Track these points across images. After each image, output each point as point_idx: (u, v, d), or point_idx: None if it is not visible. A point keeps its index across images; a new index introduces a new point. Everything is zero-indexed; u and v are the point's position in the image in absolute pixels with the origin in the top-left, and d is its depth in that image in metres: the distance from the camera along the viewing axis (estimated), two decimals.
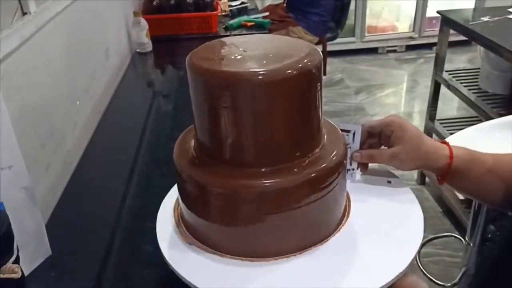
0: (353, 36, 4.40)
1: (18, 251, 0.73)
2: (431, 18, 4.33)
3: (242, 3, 2.75)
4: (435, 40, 2.55)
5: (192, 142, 0.75)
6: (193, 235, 0.74)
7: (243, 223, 0.68)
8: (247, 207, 0.67)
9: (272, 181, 0.64)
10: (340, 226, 0.74)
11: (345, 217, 0.76)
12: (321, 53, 0.69)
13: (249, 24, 2.41)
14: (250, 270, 0.67)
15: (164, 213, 0.81)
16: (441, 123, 2.48)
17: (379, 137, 0.80)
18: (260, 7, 3.18)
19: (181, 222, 0.77)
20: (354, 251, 0.70)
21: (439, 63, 2.39)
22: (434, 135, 2.53)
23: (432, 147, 0.77)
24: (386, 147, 0.79)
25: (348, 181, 0.78)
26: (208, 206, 0.70)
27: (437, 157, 0.77)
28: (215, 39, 0.77)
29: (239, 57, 0.68)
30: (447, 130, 2.38)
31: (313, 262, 0.68)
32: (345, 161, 0.72)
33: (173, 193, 0.82)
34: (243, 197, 0.66)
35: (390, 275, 0.65)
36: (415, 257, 0.67)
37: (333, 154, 0.69)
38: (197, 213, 0.72)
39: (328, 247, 0.70)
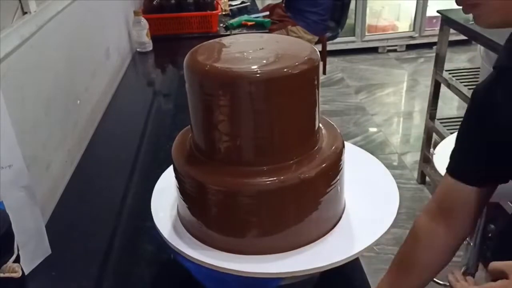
0: (353, 35, 4.39)
1: (18, 250, 0.73)
2: (431, 18, 4.32)
3: (243, 2, 2.75)
4: (435, 39, 2.54)
5: (191, 141, 0.75)
6: (191, 232, 0.74)
7: (242, 221, 0.68)
8: (246, 205, 0.67)
9: (270, 179, 0.65)
10: (340, 220, 0.75)
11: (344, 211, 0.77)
12: (319, 52, 0.69)
13: (249, 23, 2.40)
14: (248, 266, 0.67)
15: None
16: (441, 123, 2.48)
17: None
18: (260, 6, 3.18)
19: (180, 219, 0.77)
20: (351, 243, 0.71)
21: (439, 63, 2.39)
22: (434, 135, 2.53)
23: None
24: None
25: None
26: (207, 204, 0.70)
27: None
28: (215, 39, 0.77)
29: (238, 56, 0.68)
30: (447, 130, 2.38)
31: (313, 259, 0.68)
32: (343, 158, 0.72)
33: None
34: (242, 195, 0.66)
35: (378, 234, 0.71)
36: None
37: (331, 152, 0.69)
38: (196, 211, 0.72)
39: (328, 243, 0.71)
